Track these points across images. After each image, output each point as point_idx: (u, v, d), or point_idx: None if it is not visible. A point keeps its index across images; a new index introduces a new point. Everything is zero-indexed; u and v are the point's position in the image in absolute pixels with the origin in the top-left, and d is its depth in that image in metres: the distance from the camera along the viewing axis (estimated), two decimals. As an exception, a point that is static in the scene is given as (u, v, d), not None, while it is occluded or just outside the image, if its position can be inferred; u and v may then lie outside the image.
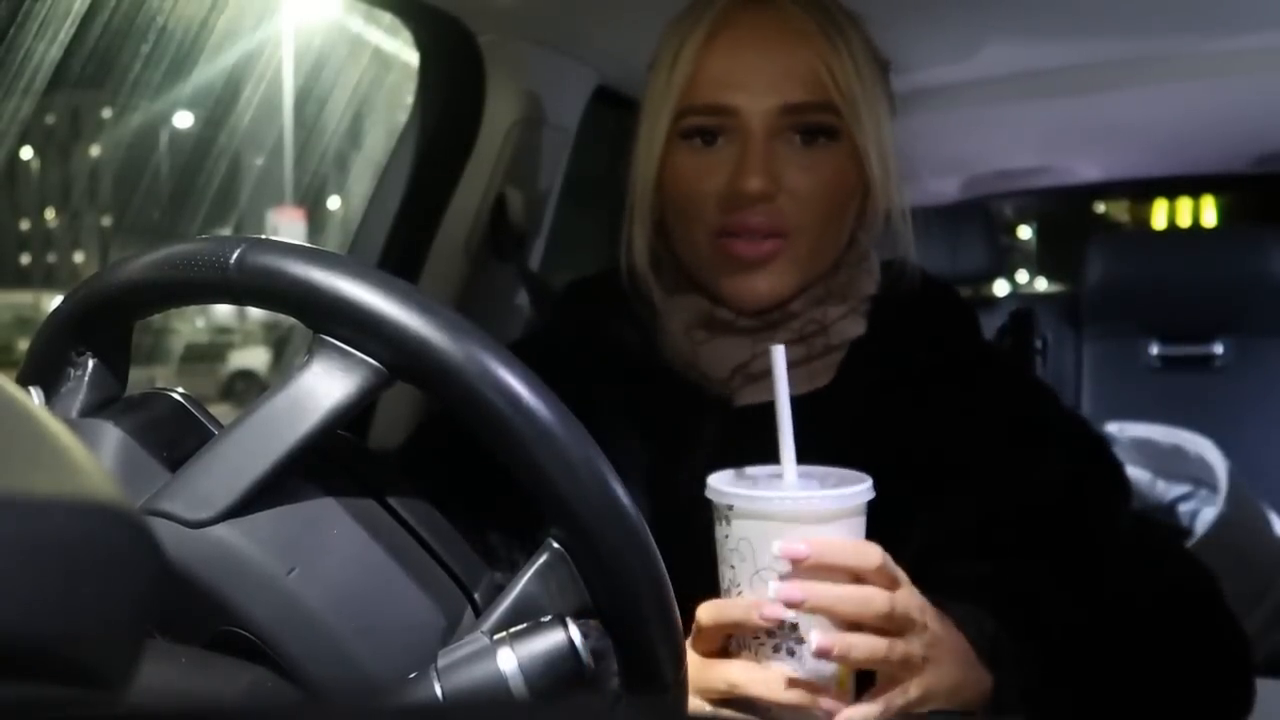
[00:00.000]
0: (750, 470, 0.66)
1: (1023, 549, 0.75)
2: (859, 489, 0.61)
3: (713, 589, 0.64)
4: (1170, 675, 0.72)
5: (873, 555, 0.60)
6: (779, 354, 0.65)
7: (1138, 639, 0.72)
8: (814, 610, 0.60)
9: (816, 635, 0.59)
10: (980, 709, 0.65)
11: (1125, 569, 0.76)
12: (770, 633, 0.61)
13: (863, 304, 0.87)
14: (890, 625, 0.60)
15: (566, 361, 0.80)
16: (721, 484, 0.63)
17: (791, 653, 0.61)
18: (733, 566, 0.62)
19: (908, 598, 0.61)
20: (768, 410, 0.78)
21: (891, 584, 0.61)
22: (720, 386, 0.84)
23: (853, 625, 0.60)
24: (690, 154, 0.82)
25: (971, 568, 0.71)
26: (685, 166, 0.82)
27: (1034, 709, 0.66)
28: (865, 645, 0.59)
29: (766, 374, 0.81)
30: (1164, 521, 1.64)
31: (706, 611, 0.63)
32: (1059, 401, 0.87)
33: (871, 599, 0.59)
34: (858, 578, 0.61)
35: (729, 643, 0.64)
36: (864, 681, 0.63)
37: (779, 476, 0.64)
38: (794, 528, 0.60)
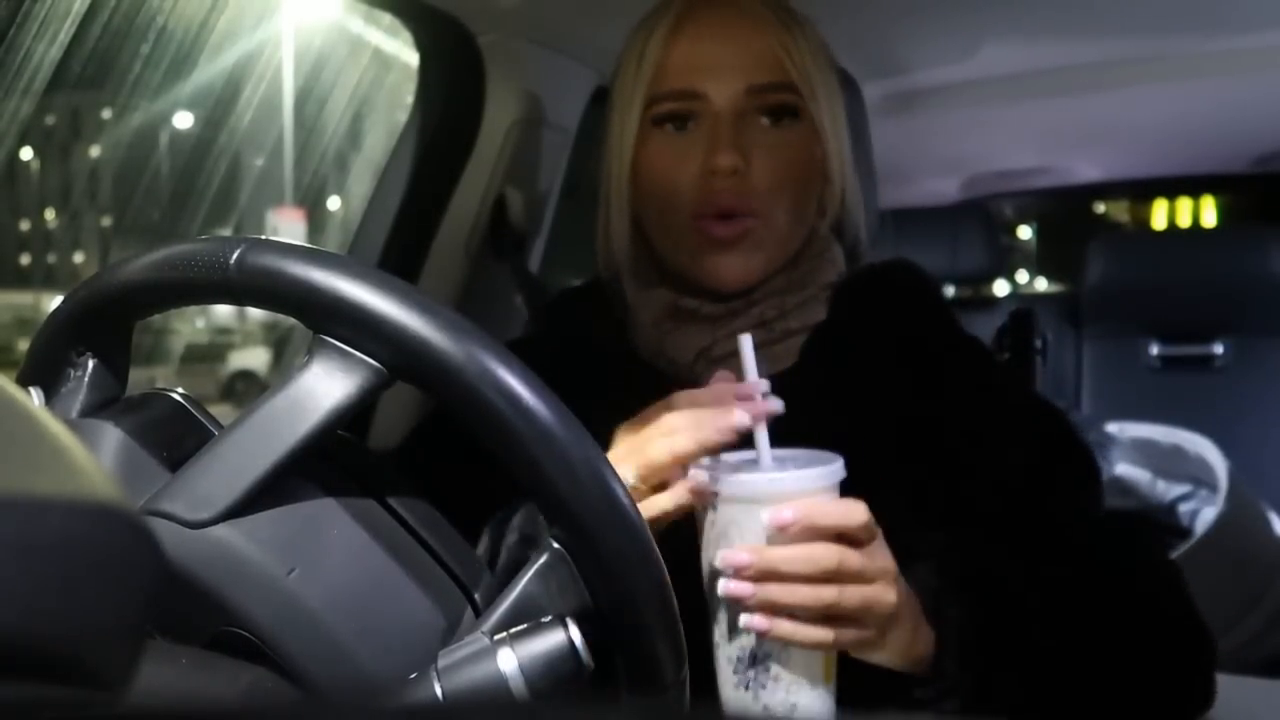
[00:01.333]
0: (724, 457, 0.67)
1: (980, 529, 0.76)
2: (835, 466, 0.62)
3: (686, 560, 0.65)
4: (1120, 659, 0.72)
5: (858, 512, 0.61)
6: (746, 342, 0.66)
7: (1088, 621, 0.72)
8: (761, 605, 0.60)
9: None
10: (923, 668, 0.67)
11: (1083, 552, 0.77)
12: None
13: (823, 291, 0.90)
14: (845, 576, 0.60)
15: (549, 364, 0.81)
16: (701, 471, 0.64)
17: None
18: (720, 550, 0.62)
19: (883, 551, 0.63)
20: None
21: (871, 538, 0.62)
22: (685, 371, 0.87)
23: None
24: (663, 141, 0.86)
25: (924, 536, 0.72)
26: (658, 153, 0.86)
27: (971, 668, 0.67)
28: (805, 594, 0.60)
29: (727, 357, 0.85)
30: (1161, 520, 1.64)
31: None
32: (1027, 387, 0.89)
33: (815, 557, 0.59)
34: (840, 537, 0.61)
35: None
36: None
37: (753, 461, 0.65)
38: (779, 507, 0.60)
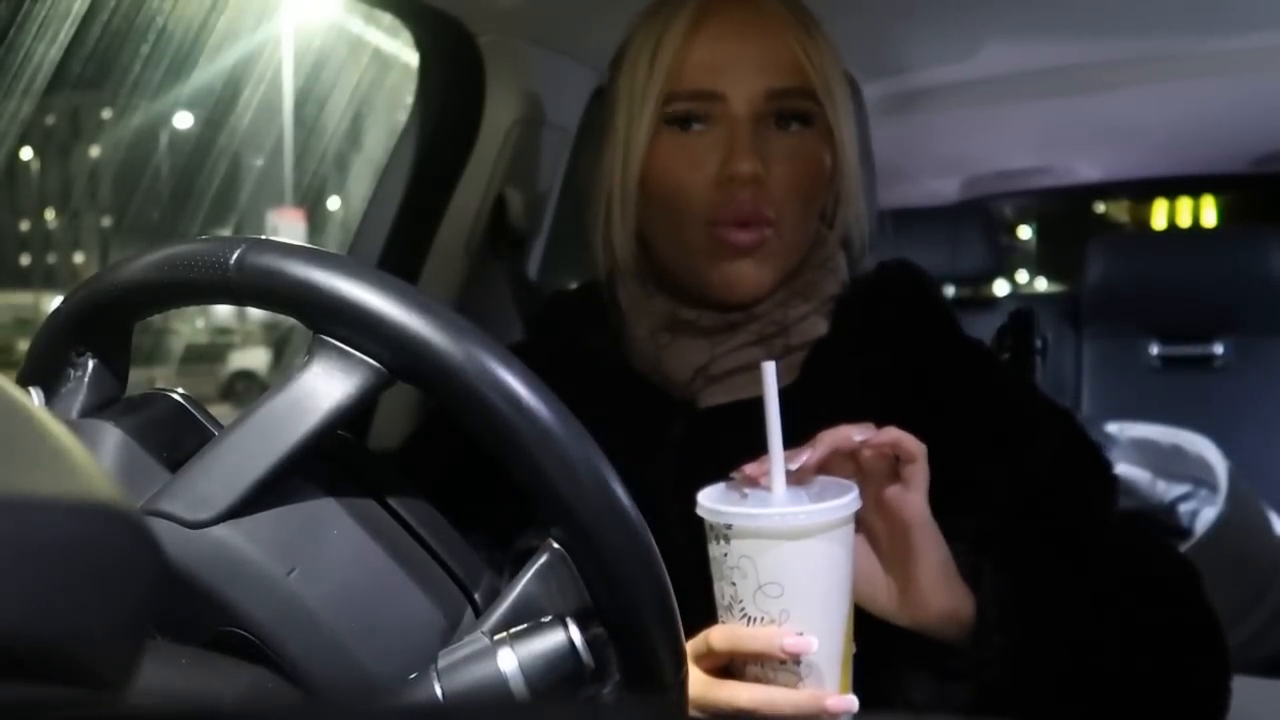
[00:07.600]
0: (736, 479, 0.66)
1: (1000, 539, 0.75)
2: (849, 499, 0.62)
3: (684, 583, 0.64)
4: (1141, 667, 0.71)
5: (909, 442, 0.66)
6: (769, 370, 0.64)
7: (1110, 627, 0.71)
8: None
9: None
10: (964, 634, 0.67)
11: (1104, 562, 0.76)
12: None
13: (825, 304, 0.87)
14: None
15: (542, 371, 0.80)
16: (715, 502, 0.63)
17: (797, 661, 0.61)
18: (734, 584, 0.62)
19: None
20: (730, 411, 0.81)
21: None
22: (683, 389, 0.85)
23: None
24: (673, 142, 0.83)
25: (955, 522, 0.71)
26: (669, 156, 0.83)
27: (1011, 635, 0.67)
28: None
29: (726, 376, 0.84)
30: (1161, 520, 1.64)
31: (723, 640, 0.62)
32: (1040, 395, 0.87)
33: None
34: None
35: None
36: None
37: (766, 491, 0.64)
38: (792, 544, 0.60)
